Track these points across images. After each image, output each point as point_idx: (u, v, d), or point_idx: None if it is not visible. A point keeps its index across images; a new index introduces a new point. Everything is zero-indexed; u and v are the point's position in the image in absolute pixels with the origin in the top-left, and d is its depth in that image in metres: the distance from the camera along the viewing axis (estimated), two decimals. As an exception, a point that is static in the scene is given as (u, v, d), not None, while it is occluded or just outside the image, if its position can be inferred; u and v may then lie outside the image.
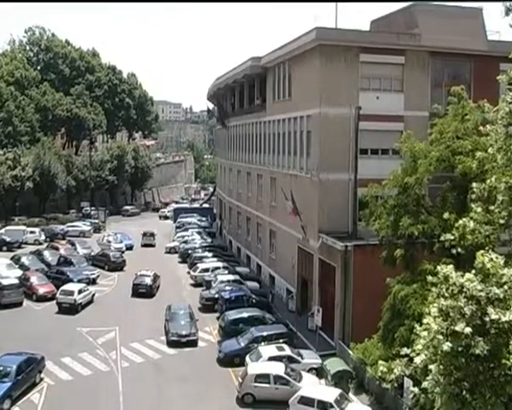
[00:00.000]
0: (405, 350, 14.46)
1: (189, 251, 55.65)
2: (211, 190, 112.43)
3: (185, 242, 61.24)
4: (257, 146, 50.07)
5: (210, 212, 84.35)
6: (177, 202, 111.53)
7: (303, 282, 38.52)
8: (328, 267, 33.33)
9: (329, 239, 32.52)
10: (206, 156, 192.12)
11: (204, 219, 79.99)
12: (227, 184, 65.74)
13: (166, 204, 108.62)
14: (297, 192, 37.13)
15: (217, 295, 39.32)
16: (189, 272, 49.68)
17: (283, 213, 40.24)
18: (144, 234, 66.08)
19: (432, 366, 12.44)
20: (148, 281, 43.76)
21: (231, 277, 43.62)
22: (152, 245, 64.55)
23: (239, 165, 57.80)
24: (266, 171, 46.71)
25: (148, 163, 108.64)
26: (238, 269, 47.84)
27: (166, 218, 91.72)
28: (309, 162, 36.30)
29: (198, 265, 48.63)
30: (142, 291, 43.19)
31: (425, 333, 12.56)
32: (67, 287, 40.44)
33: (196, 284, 46.39)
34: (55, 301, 39.80)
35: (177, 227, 74.66)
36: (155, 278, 44.84)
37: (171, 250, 61.06)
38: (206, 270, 47.02)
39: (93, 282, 46.08)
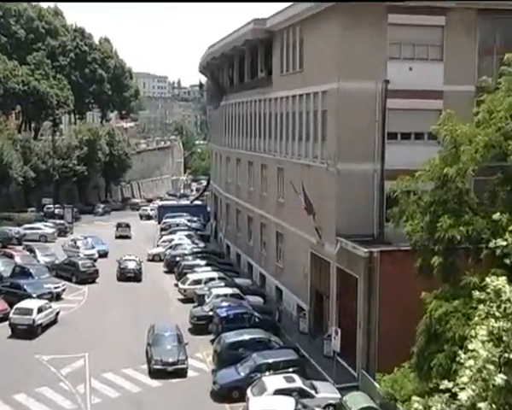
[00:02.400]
0: (446, 383, 14.15)
1: (177, 259, 56.13)
2: (204, 183, 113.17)
3: (172, 247, 61.84)
4: (260, 129, 50.46)
5: (203, 210, 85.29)
6: (162, 199, 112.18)
7: (317, 297, 38.73)
8: (349, 279, 33.48)
9: (350, 244, 32.60)
10: (197, 142, 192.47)
11: (195, 219, 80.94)
12: (224, 177, 66.38)
13: (149, 201, 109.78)
14: (310, 186, 37.32)
15: (211, 313, 39.53)
16: (176, 285, 50.20)
17: (293, 212, 40.55)
18: (119, 225, 75.88)
19: (481, 405, 12.23)
20: (134, 266, 52.90)
21: (229, 290, 43.84)
22: (128, 237, 74.14)
23: (238, 152, 58.21)
24: (272, 160, 47.12)
25: (126, 150, 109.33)
26: (237, 281, 48.26)
27: (149, 218, 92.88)
28: (325, 149, 36.57)
29: (188, 275, 49.01)
30: (131, 275, 52.64)
31: (471, 362, 12.40)
32: (24, 304, 40.46)
33: (186, 299, 46.77)
34: (7, 323, 39.64)
35: (162, 229, 75.53)
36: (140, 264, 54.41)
37: (154, 258, 61.84)
38: (198, 282, 47.37)
39: (57, 297, 46.26)
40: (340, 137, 34.34)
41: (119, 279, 54.30)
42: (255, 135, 52.30)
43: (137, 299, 48.47)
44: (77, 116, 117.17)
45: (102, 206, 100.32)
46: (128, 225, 76.99)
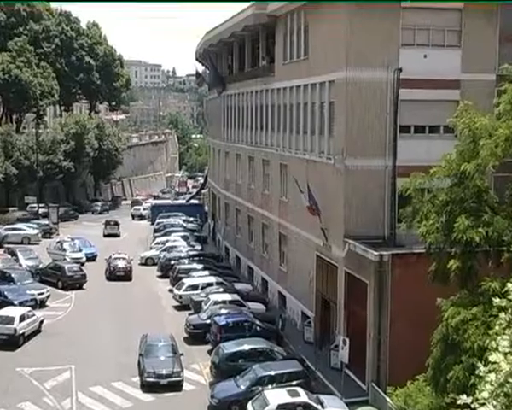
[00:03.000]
0: (464, 398, 13.98)
1: (172, 262, 56.16)
2: (201, 180, 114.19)
3: (167, 250, 61.92)
4: (262, 122, 50.42)
5: (200, 210, 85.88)
6: (156, 197, 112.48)
7: (324, 303, 38.69)
8: (358, 284, 33.43)
9: (359, 246, 32.50)
10: (194, 136, 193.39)
11: (191, 219, 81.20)
12: (222, 173, 66.45)
13: (141, 200, 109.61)
14: (316, 184, 37.23)
15: (209, 321, 39.38)
16: (171, 290, 50.18)
17: (297, 212, 40.58)
18: (107, 223, 79.60)
19: (504, 423, 12.14)
20: (124, 264, 55.71)
21: (228, 296, 43.90)
22: (117, 235, 77.48)
23: (238, 147, 58.13)
24: (275, 155, 47.11)
25: (116, 145, 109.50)
26: (237, 286, 48.34)
27: (141, 218, 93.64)
28: (332, 144, 36.49)
29: (184, 280, 49.03)
30: (120, 274, 55.12)
31: (492, 376, 12.28)
32: (5, 312, 40.22)
33: (181, 306, 46.79)
34: (-14, 333, 38.99)
35: (155, 230, 75.72)
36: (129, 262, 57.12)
37: (147, 261, 62.04)
38: (195, 287, 47.42)
39: (41, 304, 46.07)
40: (349, 130, 34.14)
41: (109, 279, 55.55)
42: (256, 128, 52.15)
43: (129, 306, 48.26)
44: (63, 108, 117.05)
45: (100, 204, 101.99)
46: (117, 223, 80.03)
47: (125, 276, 55.99)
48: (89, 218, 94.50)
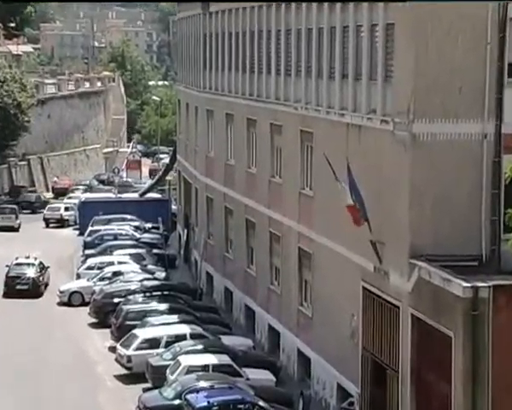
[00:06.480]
0: None
1: (116, 300, 46.10)
2: (165, 160, 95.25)
3: (106, 279, 51.90)
4: (271, 61, 42.41)
5: (163, 210, 70.94)
6: (87, 189, 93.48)
7: (376, 371, 32.16)
8: (435, 337, 28.13)
9: (436, 272, 27.29)
10: (153, 83, 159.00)
11: (149, 225, 67.83)
12: (203, 148, 56.91)
13: (63, 192, 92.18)
14: (363, 166, 31.22)
15: (178, 402, 32.70)
16: (113, 349, 41.36)
17: (330, 214, 34.40)
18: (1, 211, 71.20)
19: None
20: (32, 272, 50.16)
21: (212, 358, 36.69)
22: (14, 229, 69.70)
23: (230, 103, 48.77)
24: (292, 117, 39.61)
25: (17, 98, 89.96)
26: (228, 341, 40.21)
27: (62, 224, 77.82)
28: (389, 97, 30.51)
29: (136, 332, 40.25)
30: (23, 288, 48.97)
31: None
32: None
33: (131, 376, 38.61)
34: None
35: (87, 245, 63.08)
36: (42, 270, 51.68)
37: (72, 299, 51.37)
38: (155, 343, 39.32)
39: None
40: (420, 73, 28.39)
41: (7, 294, 50.03)
42: (261, 70, 43.44)
43: (39, 374, 38.63)
44: None
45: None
46: (14, 211, 72.19)
47: (32, 290, 49.60)
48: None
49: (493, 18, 27.71)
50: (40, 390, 37.35)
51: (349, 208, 29.88)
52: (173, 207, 70.78)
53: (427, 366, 28.64)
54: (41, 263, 51.69)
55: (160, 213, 65.47)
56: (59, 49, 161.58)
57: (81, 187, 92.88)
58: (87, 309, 47.83)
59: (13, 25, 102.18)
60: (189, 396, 31.49)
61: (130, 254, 55.66)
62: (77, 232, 70.33)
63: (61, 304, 49.99)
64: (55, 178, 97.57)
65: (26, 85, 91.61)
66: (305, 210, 38.09)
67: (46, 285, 51.05)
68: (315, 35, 36.93)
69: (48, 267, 52.59)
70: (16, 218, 70.65)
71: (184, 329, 40.19)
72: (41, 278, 50.59)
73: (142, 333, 39.59)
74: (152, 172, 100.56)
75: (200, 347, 37.77)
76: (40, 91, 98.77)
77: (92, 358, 41.69)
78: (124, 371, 38.58)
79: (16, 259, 52.04)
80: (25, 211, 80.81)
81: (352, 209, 29.80)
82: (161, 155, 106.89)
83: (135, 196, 79.36)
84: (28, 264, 51.17)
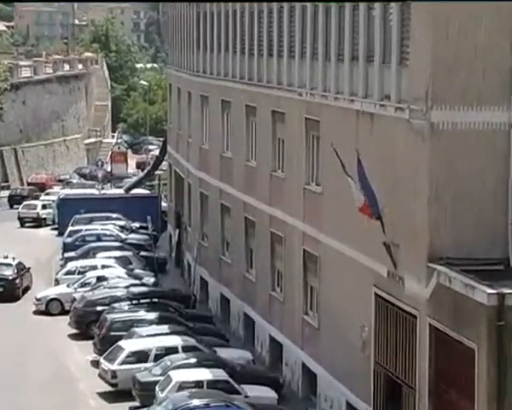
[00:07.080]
0: None
1: (100, 309, 44.50)
2: (155, 152, 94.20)
3: (88, 285, 50.57)
4: (271, 41, 41.32)
5: (152, 208, 69.37)
6: (67, 184, 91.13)
7: (390, 388, 31.00)
8: (456, 350, 27.38)
9: (457, 278, 26.56)
10: (140, 65, 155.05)
11: (136, 225, 66.28)
12: (197, 139, 55.80)
13: (40, 188, 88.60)
14: (374, 156, 30.36)
15: None
16: (97, 363, 39.57)
17: (340, 213, 33.09)
18: None
19: None
20: (8, 272, 48.86)
21: (207, 374, 35.21)
22: None
23: (227, 88, 47.47)
24: (296, 103, 38.24)
25: None
26: (224, 354, 38.75)
27: (39, 223, 75.57)
28: (405, 82, 29.48)
29: (122, 344, 38.71)
30: None
31: None
32: None
33: (116, 394, 37.02)
34: None
35: (66, 247, 61.13)
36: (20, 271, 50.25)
37: (50, 306, 49.92)
38: (142, 357, 37.83)
39: None
40: (438, 55, 27.45)
41: None
42: (261, 53, 42.15)
43: (11, 394, 35.76)
44: None
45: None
46: None
47: (7, 293, 48.16)
48: None
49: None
50: (17, 407, 35.20)
51: (361, 208, 28.47)
52: (163, 204, 68.92)
53: (447, 383, 27.61)
54: (20, 263, 50.14)
55: (149, 212, 63.91)
56: (35, 28, 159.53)
57: (59, 183, 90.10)
58: (67, 318, 46.04)
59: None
60: (181, 416, 30.72)
61: (115, 258, 54.26)
62: (55, 233, 68.37)
63: (38, 313, 47.98)
64: (32, 174, 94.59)
65: None
66: (310, 208, 36.67)
67: (26, 289, 49.67)
68: (321, 13, 35.16)
69: (29, 268, 50.88)
70: None
71: (176, 341, 38.60)
72: (18, 280, 48.96)
73: (129, 345, 38.03)
74: (140, 166, 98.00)
75: (193, 360, 36.39)
76: (14, 75, 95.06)
77: (73, 373, 40.01)
78: (108, 388, 36.94)
79: None
80: (16, 206, 78.47)
81: (365, 208, 28.32)
82: (150, 147, 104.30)
83: (121, 192, 77.33)
84: (5, 264, 49.48)
